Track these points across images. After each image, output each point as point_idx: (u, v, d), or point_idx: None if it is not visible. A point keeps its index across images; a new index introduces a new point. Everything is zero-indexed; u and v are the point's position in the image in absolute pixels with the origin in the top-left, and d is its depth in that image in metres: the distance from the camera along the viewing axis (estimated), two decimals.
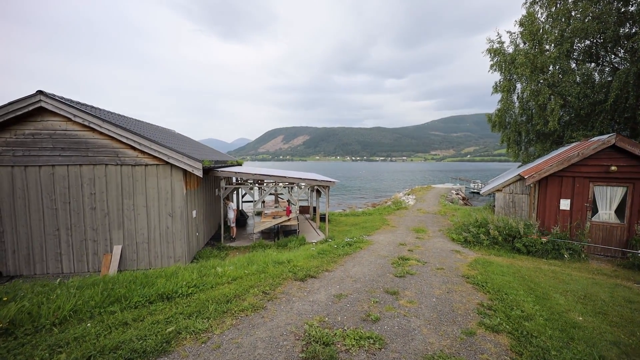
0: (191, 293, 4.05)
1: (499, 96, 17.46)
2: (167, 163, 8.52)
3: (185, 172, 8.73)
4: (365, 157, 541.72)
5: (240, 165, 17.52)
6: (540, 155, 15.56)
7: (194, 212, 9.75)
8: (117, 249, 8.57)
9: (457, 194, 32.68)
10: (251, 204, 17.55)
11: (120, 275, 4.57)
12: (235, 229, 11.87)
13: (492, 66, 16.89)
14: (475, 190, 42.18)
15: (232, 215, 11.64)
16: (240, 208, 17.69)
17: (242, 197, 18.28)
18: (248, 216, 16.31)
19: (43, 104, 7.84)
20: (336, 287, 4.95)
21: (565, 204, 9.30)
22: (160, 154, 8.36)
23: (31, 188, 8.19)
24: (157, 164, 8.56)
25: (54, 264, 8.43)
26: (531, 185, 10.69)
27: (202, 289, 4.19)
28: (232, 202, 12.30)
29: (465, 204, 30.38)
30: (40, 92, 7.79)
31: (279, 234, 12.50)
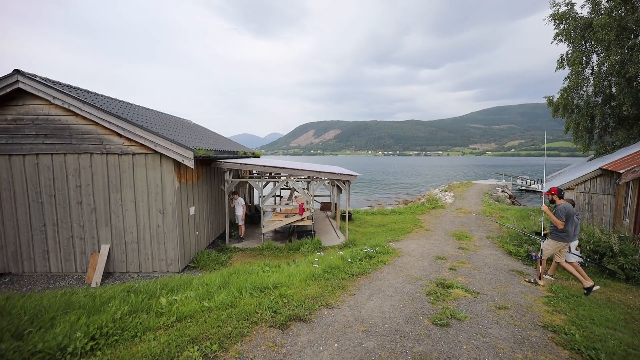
0: (92, 349, 2.56)
1: (560, 76, 14.17)
2: (156, 152, 7.32)
3: (178, 162, 7.47)
4: (397, 152, 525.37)
5: (258, 157, 16.27)
6: (622, 145, 12.27)
7: (192, 209, 8.52)
8: (104, 249, 7.60)
9: (503, 191, 28.85)
10: (274, 199, 16.26)
11: (30, 299, 3.27)
12: (243, 227, 10.55)
13: (556, 35, 13.66)
14: (523, 188, 37.40)
15: (240, 212, 10.32)
16: (256, 203, 16.49)
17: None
18: (264, 213, 15.03)
19: (21, 85, 6.96)
20: (333, 345, 3.08)
21: None
22: (147, 140, 7.15)
23: (16, 179, 7.44)
24: (145, 153, 7.39)
25: (41, 263, 7.67)
26: (619, 183, 7.98)
27: (113, 341, 2.66)
28: (241, 196, 11.00)
29: (513, 203, 26.64)
30: (17, 72, 6.91)
31: (293, 235, 10.99)
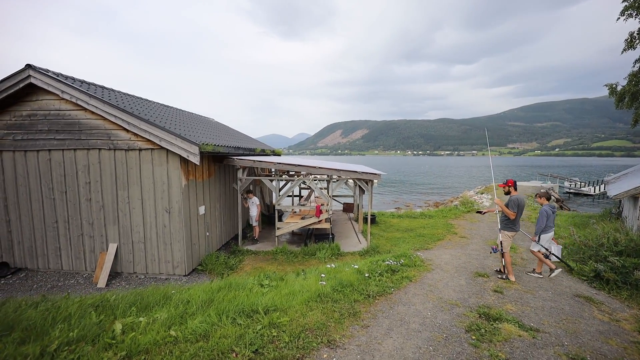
0: None
1: (619, 63, 11.97)
2: (162, 147, 6.88)
3: (186, 159, 6.98)
4: (428, 152, 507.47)
5: (278, 155, 15.71)
6: None
7: (202, 208, 8.04)
8: (112, 248, 7.33)
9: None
10: (292, 199, 15.66)
11: None
12: (258, 228, 9.94)
13: (625, 10, 11.54)
14: (572, 190, 33.53)
15: (255, 212, 9.72)
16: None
17: (279, 190, 16.52)
18: (283, 213, 14.45)
19: (33, 80, 6.85)
20: None
21: None
22: (151, 135, 6.73)
23: (31, 175, 7.41)
24: (151, 149, 6.99)
25: (54, 259, 7.60)
26: None
27: None
28: (258, 196, 10.38)
29: (562, 208, 23.76)
30: (29, 66, 6.80)
31: (311, 238, 10.21)
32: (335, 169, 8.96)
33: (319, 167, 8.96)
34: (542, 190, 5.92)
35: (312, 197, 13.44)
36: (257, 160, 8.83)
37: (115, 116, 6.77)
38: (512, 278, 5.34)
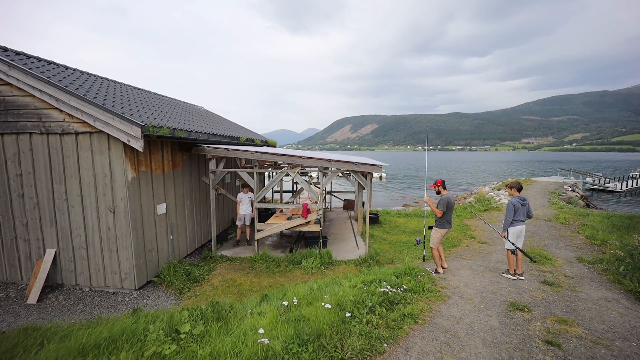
0: None
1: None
2: (101, 131, 5.44)
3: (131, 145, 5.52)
4: (439, 146, 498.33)
5: (273, 147, 14.19)
6: None
7: (162, 207, 6.62)
8: (49, 254, 5.99)
9: (574, 190, 23.60)
10: (280, 195, 14.17)
11: None
12: (249, 229, 8.46)
13: None
14: (595, 187, 30.96)
15: (249, 209, 8.23)
16: (269, 198, 14.45)
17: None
18: (274, 211, 12.99)
19: None
20: None
21: None
22: (84, 114, 5.30)
23: None
24: (89, 132, 5.57)
25: None
26: None
27: None
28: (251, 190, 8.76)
29: (588, 206, 21.55)
30: None
31: (300, 241, 8.72)
32: (327, 159, 7.38)
33: (307, 157, 7.40)
34: (513, 181, 5.59)
35: (306, 194, 11.90)
36: (232, 149, 7.32)
37: (41, 91, 5.36)
38: (441, 270, 5.60)
